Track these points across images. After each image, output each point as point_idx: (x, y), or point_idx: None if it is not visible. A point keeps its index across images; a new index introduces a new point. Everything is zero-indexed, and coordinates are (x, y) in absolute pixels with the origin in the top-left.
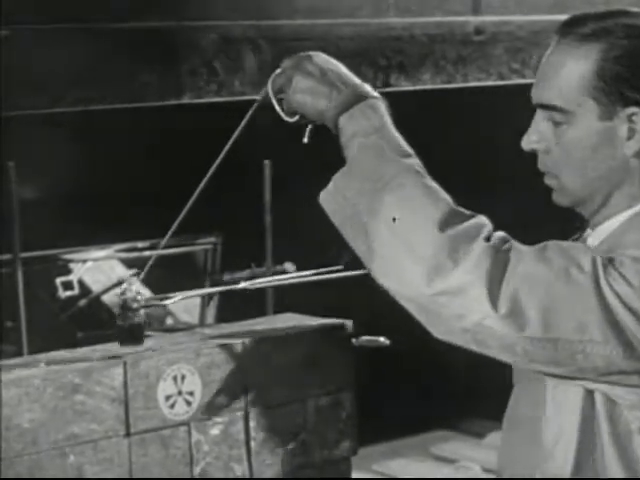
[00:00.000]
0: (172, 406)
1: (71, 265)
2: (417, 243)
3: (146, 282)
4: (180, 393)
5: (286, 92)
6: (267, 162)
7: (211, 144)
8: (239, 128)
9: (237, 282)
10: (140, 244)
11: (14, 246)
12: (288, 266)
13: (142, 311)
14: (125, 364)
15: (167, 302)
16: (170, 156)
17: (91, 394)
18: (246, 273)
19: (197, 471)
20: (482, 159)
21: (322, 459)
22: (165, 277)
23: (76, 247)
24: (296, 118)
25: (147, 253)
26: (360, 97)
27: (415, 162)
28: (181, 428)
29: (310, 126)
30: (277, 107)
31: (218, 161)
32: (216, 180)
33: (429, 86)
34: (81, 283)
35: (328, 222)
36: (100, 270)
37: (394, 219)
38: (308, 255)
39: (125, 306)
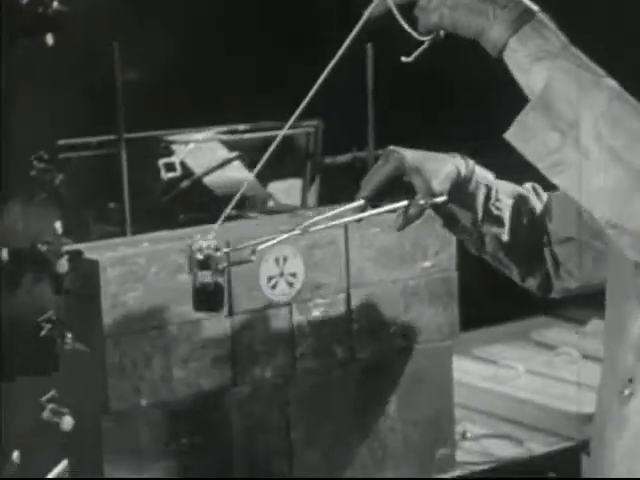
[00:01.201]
0: (274, 287)
1: (173, 147)
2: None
3: (249, 165)
4: (282, 274)
5: (421, 7)
6: (369, 45)
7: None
8: (346, 41)
9: (338, 165)
10: (242, 126)
11: (118, 127)
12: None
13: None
14: (228, 244)
15: (251, 258)
16: (269, 43)
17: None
18: (347, 157)
19: (299, 352)
20: None
21: (423, 342)
22: (267, 161)
23: (179, 129)
24: (431, 37)
25: (248, 136)
26: (528, 13)
27: (613, 82)
28: (283, 309)
29: (426, 45)
30: (404, 24)
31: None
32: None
33: None
34: (183, 165)
35: None
36: (202, 152)
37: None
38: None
39: (203, 264)
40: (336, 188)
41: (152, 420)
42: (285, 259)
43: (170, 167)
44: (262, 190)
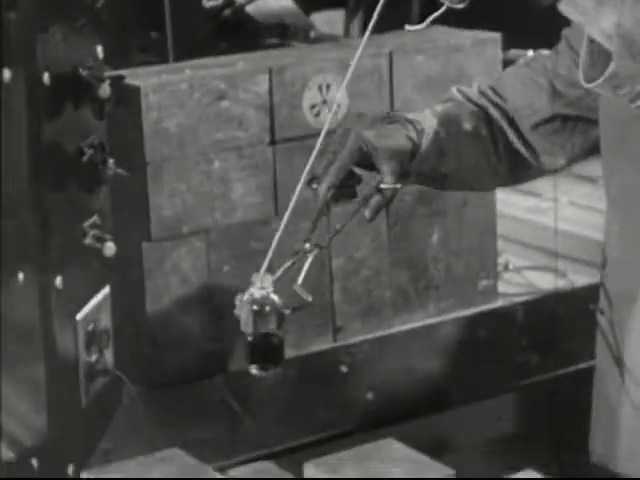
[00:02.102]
0: (317, 115)
1: None
2: None
3: None
4: (325, 102)
5: None
6: None
7: None
8: None
9: None
10: None
11: None
12: None
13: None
14: (270, 72)
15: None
16: None
17: (236, 100)
18: None
19: None
20: None
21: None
22: None
23: None
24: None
25: None
26: None
27: None
28: (326, 137)
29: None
30: None
31: None
32: None
33: None
34: None
35: None
36: None
37: None
38: None
39: (260, 315)
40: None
41: (194, 248)
42: (328, 87)
43: None
44: (305, 19)
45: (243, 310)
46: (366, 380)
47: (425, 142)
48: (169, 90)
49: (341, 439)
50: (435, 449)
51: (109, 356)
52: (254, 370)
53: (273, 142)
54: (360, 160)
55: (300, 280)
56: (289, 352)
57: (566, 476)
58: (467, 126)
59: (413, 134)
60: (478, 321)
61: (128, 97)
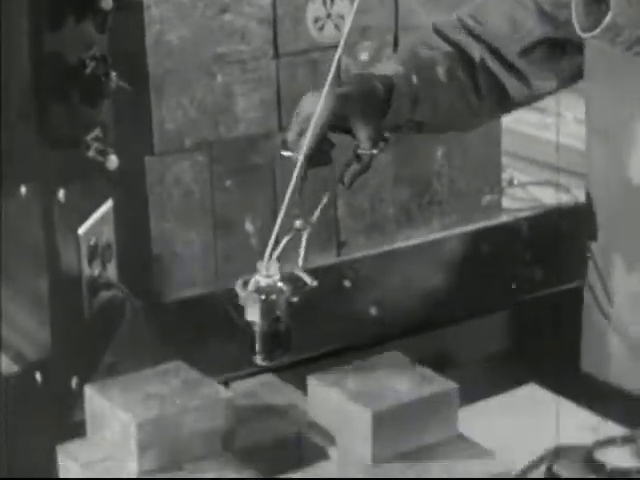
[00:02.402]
0: (321, 29)
1: None
2: None
3: None
4: (329, 16)
5: None
6: None
7: None
8: None
9: None
10: None
11: None
12: None
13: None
14: None
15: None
16: None
17: (240, 13)
18: None
19: None
20: None
21: None
22: None
23: None
24: None
25: None
26: None
27: None
28: (329, 51)
29: None
30: None
31: None
32: None
33: None
34: None
35: None
36: None
37: None
38: None
39: (268, 306)
40: None
41: (196, 162)
42: (333, 0)
43: None
44: None
45: (249, 299)
46: (369, 295)
47: (397, 97)
48: (172, 2)
49: (344, 354)
50: (438, 364)
51: (112, 270)
52: (260, 360)
53: (277, 56)
54: (334, 126)
55: (300, 263)
56: (292, 267)
57: (569, 390)
58: (440, 70)
59: (382, 92)
60: (482, 236)
61: (130, 9)
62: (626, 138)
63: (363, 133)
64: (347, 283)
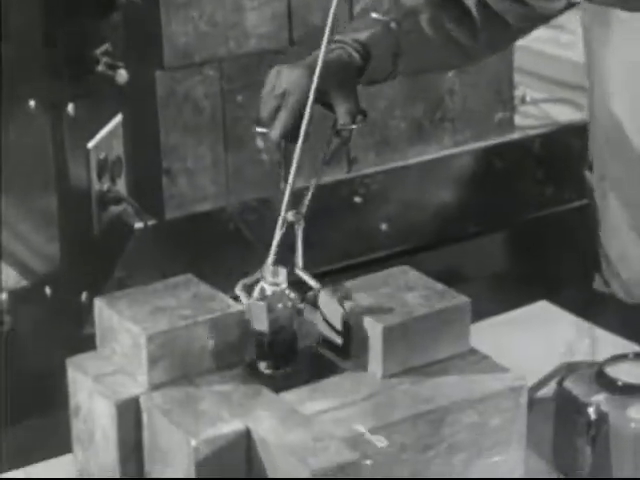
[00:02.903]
0: None
1: None
2: None
3: None
4: None
5: None
6: None
7: None
8: None
9: None
10: None
11: None
12: None
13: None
14: None
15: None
16: None
17: None
18: None
19: None
20: None
21: None
22: None
23: None
24: None
25: None
26: None
27: None
28: None
29: None
30: None
31: None
32: None
33: None
34: None
35: None
36: None
37: None
38: None
39: (273, 312)
40: None
41: (206, 76)
42: None
43: None
44: None
45: (255, 307)
46: (380, 211)
47: (374, 62)
48: None
49: (355, 269)
50: (448, 280)
51: (122, 185)
52: (265, 369)
53: None
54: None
55: (299, 262)
56: (303, 182)
57: (579, 307)
58: (424, 17)
59: (359, 61)
60: (494, 153)
61: None
62: None
63: (342, 108)
64: (358, 199)
